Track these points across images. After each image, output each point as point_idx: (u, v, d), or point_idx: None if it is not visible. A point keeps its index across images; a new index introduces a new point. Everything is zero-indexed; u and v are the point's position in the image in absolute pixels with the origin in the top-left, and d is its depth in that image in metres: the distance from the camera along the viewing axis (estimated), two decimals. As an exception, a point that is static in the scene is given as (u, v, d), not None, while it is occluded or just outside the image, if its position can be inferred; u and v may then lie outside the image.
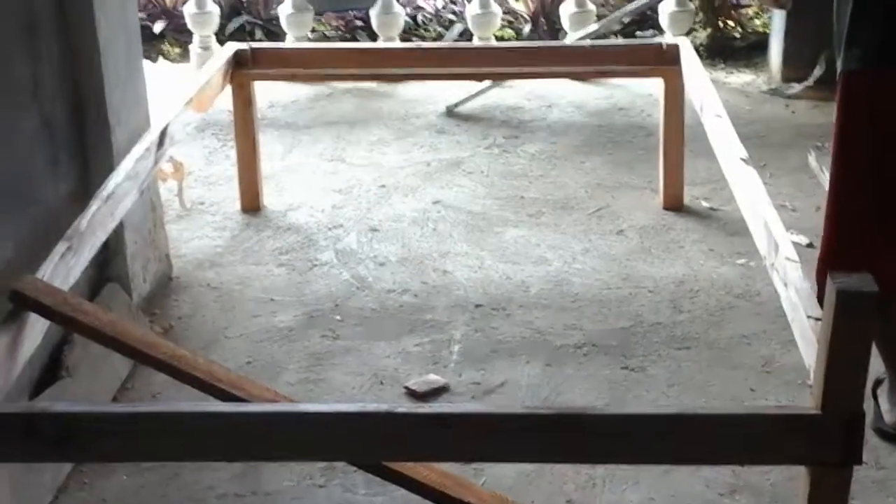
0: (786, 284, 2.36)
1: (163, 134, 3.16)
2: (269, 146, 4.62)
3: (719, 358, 3.14)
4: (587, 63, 4.04)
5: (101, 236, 2.67)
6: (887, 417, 2.72)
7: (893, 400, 2.72)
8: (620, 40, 5.57)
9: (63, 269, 2.40)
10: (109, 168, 3.01)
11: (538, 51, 4.19)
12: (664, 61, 3.94)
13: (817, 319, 2.05)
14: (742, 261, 3.65)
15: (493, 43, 5.55)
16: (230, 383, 2.20)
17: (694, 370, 3.08)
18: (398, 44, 5.45)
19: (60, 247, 2.45)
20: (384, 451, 1.96)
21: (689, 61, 3.81)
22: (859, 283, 1.78)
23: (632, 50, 4.10)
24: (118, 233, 3.15)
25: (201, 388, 2.20)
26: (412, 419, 1.89)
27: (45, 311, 2.21)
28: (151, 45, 5.81)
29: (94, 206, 2.67)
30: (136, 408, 2.35)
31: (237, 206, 4.11)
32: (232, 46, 4.00)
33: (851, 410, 1.84)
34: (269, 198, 4.18)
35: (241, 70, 3.92)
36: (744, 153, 2.99)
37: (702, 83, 3.60)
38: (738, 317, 3.35)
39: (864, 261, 2.02)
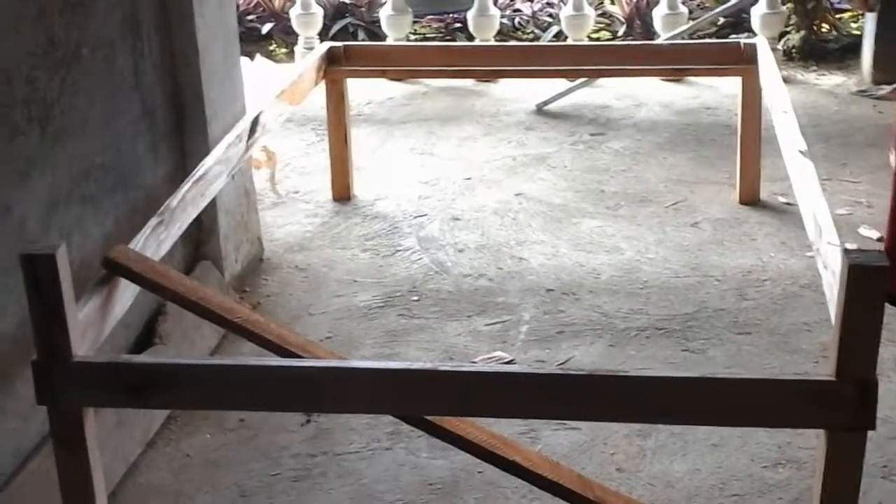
0: (826, 267, 2.46)
1: (254, 123, 3.39)
2: (363, 140, 4.85)
3: (779, 343, 3.24)
4: (669, 62, 4.16)
5: (191, 213, 2.89)
6: None
7: None
8: (703, 41, 5.65)
9: (154, 241, 2.63)
10: (205, 155, 3.25)
11: (621, 49, 4.34)
12: (742, 60, 4.03)
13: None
14: (812, 253, 3.72)
15: (579, 42, 5.68)
16: (298, 346, 2.39)
17: (753, 354, 3.19)
18: (487, 43, 5.63)
19: (153, 221, 2.68)
20: (428, 406, 2.13)
21: (766, 60, 3.90)
22: (870, 258, 1.89)
23: (712, 49, 4.20)
24: (212, 214, 3.41)
25: (272, 350, 2.40)
26: (455, 376, 2.06)
27: (134, 277, 2.44)
28: (259, 45, 6.11)
29: (186, 186, 2.90)
30: (205, 360, 2.58)
31: (329, 195, 4.34)
32: (326, 45, 4.22)
33: (864, 377, 1.96)
34: (360, 188, 4.40)
35: (335, 66, 4.14)
36: (803, 146, 3.09)
37: (774, 82, 3.69)
38: (801, 305, 3.44)
39: None
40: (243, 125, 3.35)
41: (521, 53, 4.32)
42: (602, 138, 4.90)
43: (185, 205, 2.85)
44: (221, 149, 3.18)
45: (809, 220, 2.76)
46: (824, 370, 3.11)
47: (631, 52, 4.29)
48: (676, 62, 4.16)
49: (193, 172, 3.00)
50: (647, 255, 3.81)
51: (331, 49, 4.17)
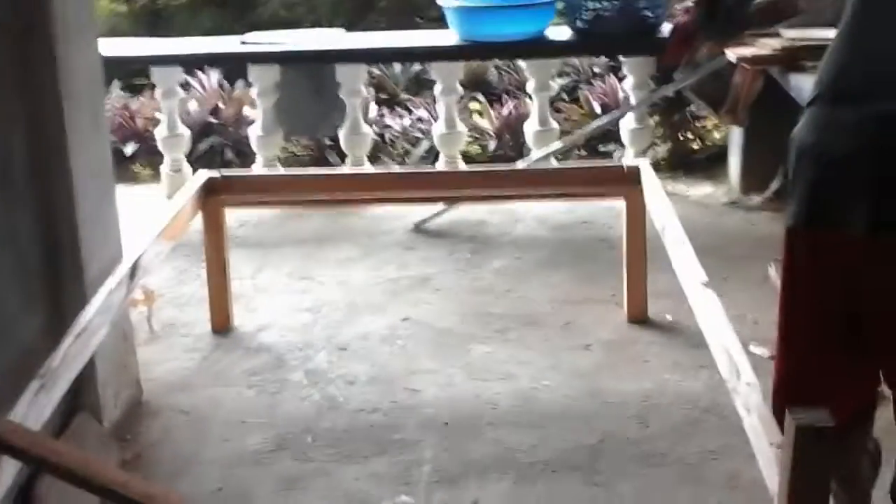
0: (748, 411, 2.41)
1: (134, 266, 3.22)
2: (238, 265, 4.68)
3: (686, 474, 3.19)
4: (551, 185, 4.16)
5: (73, 371, 2.71)
6: None
7: None
8: (582, 163, 5.69)
9: (36, 409, 2.44)
10: (83, 300, 3.06)
11: (502, 175, 4.31)
12: (626, 182, 4.05)
13: (779, 447, 2.10)
14: (706, 374, 3.72)
15: (459, 167, 5.67)
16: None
17: (661, 488, 3.12)
18: (364, 168, 5.57)
19: (34, 385, 2.49)
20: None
21: (651, 182, 3.92)
22: (816, 418, 1.84)
23: (594, 172, 4.22)
24: (90, 363, 3.19)
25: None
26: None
27: (16, 454, 2.24)
28: (123, 167, 5.91)
29: (67, 342, 2.71)
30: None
31: (208, 327, 4.16)
32: (204, 174, 4.08)
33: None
34: (240, 318, 4.24)
35: (213, 197, 4.00)
36: (704, 277, 3.08)
37: (662, 205, 3.70)
38: (704, 430, 3.40)
39: (815, 392, 2.07)
40: (123, 269, 3.18)
41: (400, 180, 4.25)
42: (482, 257, 4.85)
43: (68, 363, 2.67)
44: (101, 297, 3.00)
45: (722, 358, 2.73)
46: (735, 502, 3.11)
47: (512, 177, 4.27)
48: (558, 186, 4.16)
49: (73, 325, 2.81)
50: (542, 382, 3.74)
51: (209, 179, 4.02)
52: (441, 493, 3.11)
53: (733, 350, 2.59)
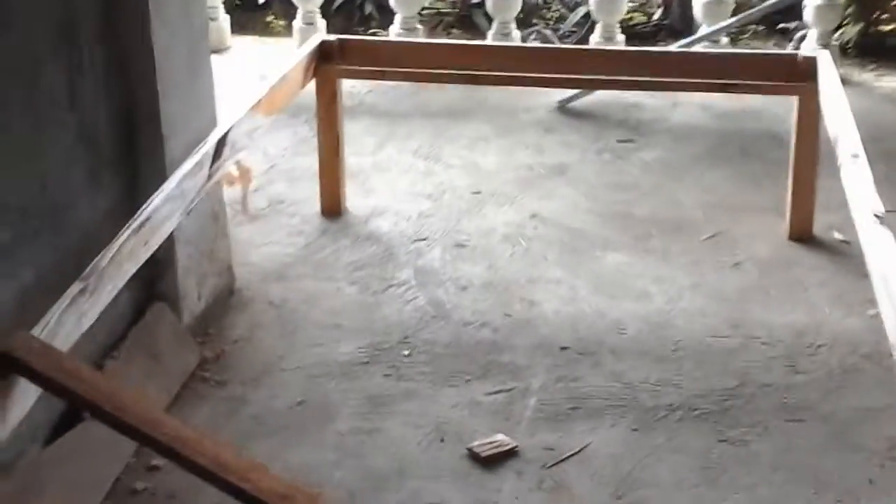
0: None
1: (220, 144, 2.84)
2: (361, 138, 4.31)
3: (837, 435, 2.70)
4: (711, 75, 3.58)
5: (128, 270, 2.37)
6: None
7: None
8: (752, 49, 5.04)
9: (72, 318, 2.11)
10: (161, 182, 2.70)
11: (656, 58, 3.75)
12: (800, 76, 3.45)
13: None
14: (874, 311, 3.16)
15: (616, 39, 5.09)
16: (239, 474, 1.88)
17: (805, 449, 2.65)
18: (501, 42, 5.04)
19: (73, 289, 2.15)
20: None
21: (829, 78, 3.32)
22: None
23: (763, 62, 3.62)
24: (168, 246, 2.85)
25: (207, 479, 1.89)
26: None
27: (36, 377, 1.92)
28: (255, 17, 5.53)
29: (124, 235, 2.36)
30: None
31: (317, 207, 3.80)
32: (318, 37, 3.66)
33: None
34: (354, 199, 3.86)
35: (327, 65, 3.58)
36: (879, 207, 2.53)
37: (840, 109, 3.12)
38: (862, 383, 2.90)
39: None
40: (205, 149, 2.80)
41: (543, 57, 3.73)
42: (631, 146, 4.33)
43: (121, 262, 2.32)
44: (175, 181, 2.63)
45: (890, 315, 2.21)
46: (888, 480, 2.61)
47: (668, 61, 3.70)
48: (721, 75, 3.58)
49: (136, 215, 2.46)
50: (680, 305, 3.26)
51: (323, 44, 3.60)
52: (544, 435, 2.70)
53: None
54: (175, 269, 2.96)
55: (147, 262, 2.51)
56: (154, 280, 2.92)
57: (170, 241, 2.82)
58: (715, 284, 3.37)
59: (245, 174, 3.29)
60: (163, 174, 2.77)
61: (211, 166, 2.80)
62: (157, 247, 2.52)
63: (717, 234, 3.67)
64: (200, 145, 2.82)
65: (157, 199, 2.54)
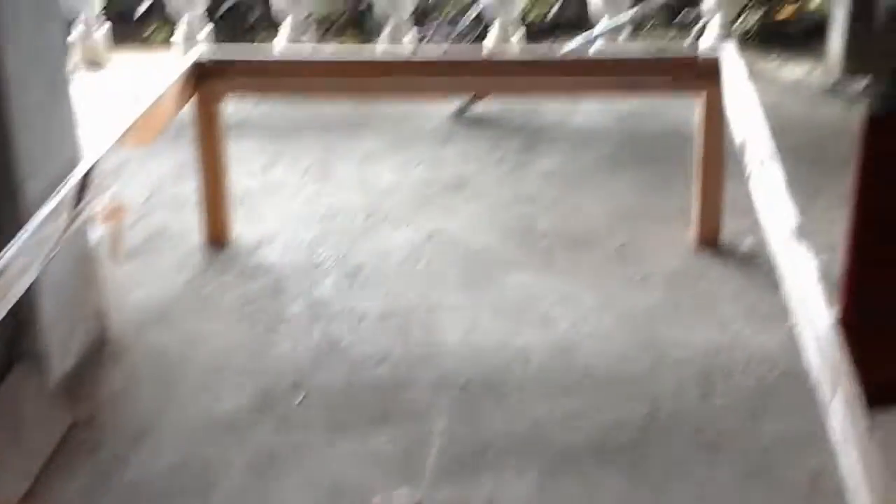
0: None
1: (84, 182, 2.59)
2: (249, 158, 4.07)
3: (757, 468, 2.54)
4: (612, 76, 3.41)
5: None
6: None
7: None
8: (650, 52, 4.89)
9: None
10: (18, 230, 2.44)
11: (556, 62, 3.57)
12: (701, 77, 3.30)
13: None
14: (788, 324, 3.03)
15: (502, 54, 4.90)
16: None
17: (726, 487, 2.48)
18: (390, 54, 4.82)
19: None
20: None
21: (734, 77, 3.17)
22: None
23: (664, 64, 3.45)
24: (28, 301, 2.60)
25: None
26: None
27: None
28: (131, 29, 5.25)
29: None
30: None
31: (201, 238, 3.55)
32: (194, 54, 3.42)
33: None
34: (241, 226, 3.63)
35: (205, 84, 3.33)
36: (794, 220, 2.38)
37: (747, 111, 2.97)
38: (782, 406, 2.74)
39: None
40: (66, 189, 2.55)
41: (436, 66, 3.51)
42: (531, 155, 4.14)
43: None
44: (31, 228, 2.38)
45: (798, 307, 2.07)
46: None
47: (565, 65, 3.53)
48: (620, 77, 3.41)
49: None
50: (585, 328, 3.09)
51: (199, 61, 3.35)
52: (448, 487, 2.50)
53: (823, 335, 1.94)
54: (38, 325, 2.71)
55: (4, 319, 2.26)
56: (14, 339, 2.67)
57: (30, 294, 2.56)
58: (622, 303, 3.20)
59: (115, 213, 3.03)
60: (19, 220, 2.51)
61: (75, 207, 2.55)
62: (14, 302, 2.27)
63: (622, 245, 3.50)
64: (61, 185, 2.56)
65: (11, 249, 2.28)
